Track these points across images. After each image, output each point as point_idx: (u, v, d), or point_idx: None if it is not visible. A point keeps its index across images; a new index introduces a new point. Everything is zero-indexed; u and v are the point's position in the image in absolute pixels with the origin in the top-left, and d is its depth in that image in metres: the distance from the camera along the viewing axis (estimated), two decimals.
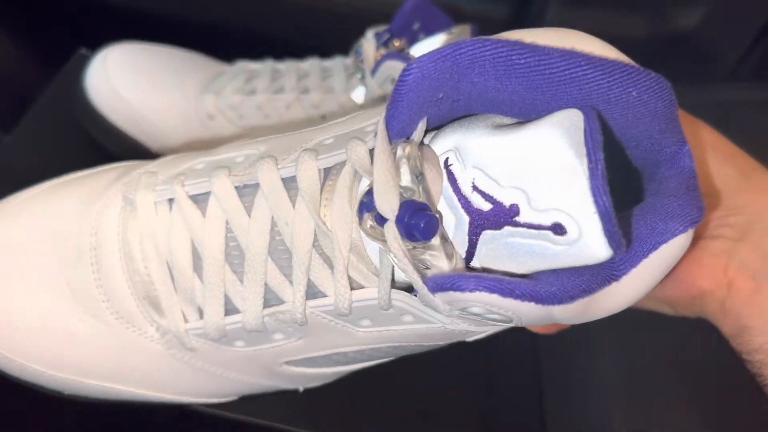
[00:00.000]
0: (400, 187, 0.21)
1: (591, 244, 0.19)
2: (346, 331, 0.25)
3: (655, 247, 0.20)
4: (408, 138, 0.22)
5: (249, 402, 0.32)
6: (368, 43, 0.40)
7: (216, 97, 0.40)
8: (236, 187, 0.25)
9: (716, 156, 0.26)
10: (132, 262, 0.26)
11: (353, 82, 0.40)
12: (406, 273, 0.21)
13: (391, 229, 0.21)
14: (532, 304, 0.20)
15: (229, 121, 0.40)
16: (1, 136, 0.70)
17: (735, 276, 0.25)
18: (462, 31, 0.40)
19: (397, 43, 0.40)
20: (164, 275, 0.26)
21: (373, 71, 0.38)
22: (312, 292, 0.24)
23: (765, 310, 0.24)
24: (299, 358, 0.27)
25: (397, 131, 0.21)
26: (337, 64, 0.42)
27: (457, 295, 0.20)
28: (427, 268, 0.22)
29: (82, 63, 0.46)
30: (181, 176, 0.26)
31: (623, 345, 0.40)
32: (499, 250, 0.21)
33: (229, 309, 0.25)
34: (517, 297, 0.20)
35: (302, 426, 0.35)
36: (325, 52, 0.44)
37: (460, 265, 0.22)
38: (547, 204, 0.20)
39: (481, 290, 0.20)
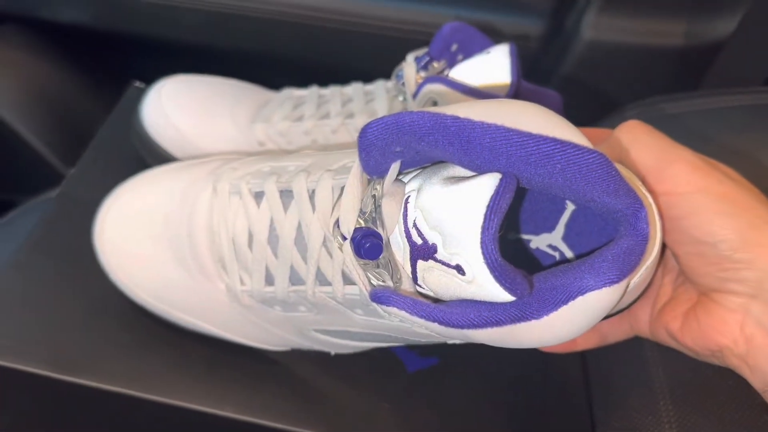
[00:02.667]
0: (363, 214, 0.26)
1: (486, 286, 0.23)
2: (347, 315, 0.31)
3: (572, 297, 0.22)
4: (381, 177, 0.26)
5: (255, 402, 0.35)
6: (409, 67, 0.41)
7: (266, 125, 0.42)
8: (280, 191, 0.32)
9: (727, 205, 0.26)
10: (212, 234, 0.34)
11: (395, 105, 0.42)
12: (356, 282, 0.27)
13: (346, 246, 0.26)
14: (436, 324, 0.24)
15: (279, 146, 0.42)
16: (63, 168, 0.73)
17: (753, 333, 0.26)
18: (500, 51, 0.41)
19: (436, 66, 0.42)
20: (229, 247, 0.33)
21: (415, 94, 0.39)
22: (323, 279, 0.30)
23: None
24: (321, 328, 0.33)
25: (371, 170, 0.26)
26: (379, 88, 0.44)
27: (383, 306, 0.25)
28: (382, 281, 0.26)
29: (137, 95, 0.48)
30: (248, 176, 0.34)
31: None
32: (430, 277, 0.25)
33: (269, 281, 0.32)
34: (422, 316, 0.24)
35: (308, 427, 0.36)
36: (367, 77, 0.46)
37: (408, 284, 0.26)
38: (453, 249, 0.23)
39: (394, 306, 0.25)
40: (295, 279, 0.31)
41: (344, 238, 0.26)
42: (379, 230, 0.26)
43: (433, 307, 0.24)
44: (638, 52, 0.61)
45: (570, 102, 0.61)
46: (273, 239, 0.31)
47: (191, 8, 0.63)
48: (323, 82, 0.47)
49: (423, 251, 0.25)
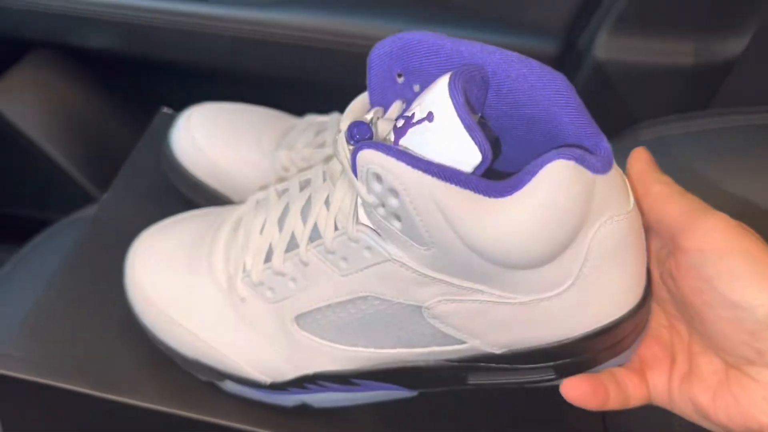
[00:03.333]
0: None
1: (453, 131, 0.25)
2: (333, 277, 0.31)
3: (535, 173, 0.25)
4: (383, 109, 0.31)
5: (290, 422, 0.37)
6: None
7: (289, 151, 0.44)
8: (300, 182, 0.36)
9: (749, 266, 0.25)
10: (231, 233, 0.36)
11: None
12: (342, 163, 0.29)
13: (341, 136, 0.29)
14: (419, 172, 0.25)
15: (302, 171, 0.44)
16: (92, 188, 0.76)
17: None
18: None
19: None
20: (243, 237, 0.35)
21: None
22: (315, 235, 0.32)
23: None
24: (307, 310, 0.33)
25: (376, 102, 0.31)
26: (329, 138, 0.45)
27: (364, 154, 0.26)
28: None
29: (165, 121, 0.51)
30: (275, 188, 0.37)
31: None
32: (410, 146, 0.27)
33: (268, 258, 0.34)
34: (401, 159, 0.25)
35: None
36: None
37: None
38: (426, 103, 0.26)
39: (374, 149, 0.26)
40: (291, 246, 0.33)
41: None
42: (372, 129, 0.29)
43: (413, 155, 0.25)
44: (650, 71, 0.62)
45: None
46: (282, 217, 0.34)
47: (215, 34, 0.66)
48: (344, 107, 0.48)
49: (404, 127, 0.27)
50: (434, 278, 0.28)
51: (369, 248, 0.29)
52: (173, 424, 0.37)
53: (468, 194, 0.25)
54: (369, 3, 0.64)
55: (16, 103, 0.77)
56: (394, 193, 0.26)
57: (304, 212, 0.33)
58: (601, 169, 0.25)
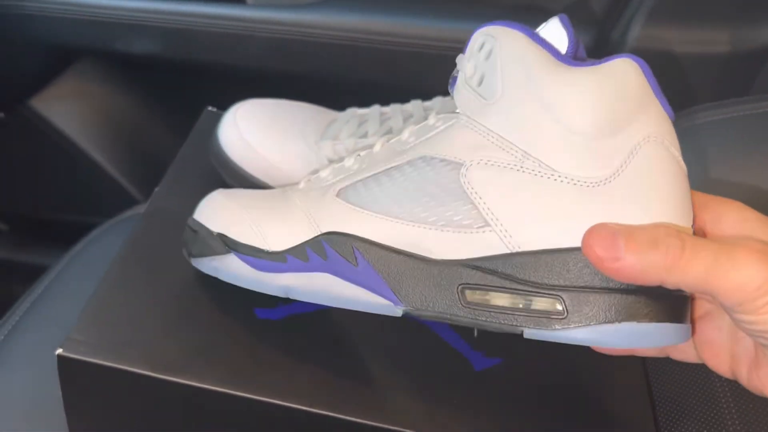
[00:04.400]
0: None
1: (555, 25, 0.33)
2: (392, 147, 0.36)
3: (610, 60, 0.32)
4: None
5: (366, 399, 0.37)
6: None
7: (333, 141, 0.45)
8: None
9: None
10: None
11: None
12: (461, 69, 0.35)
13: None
14: (518, 33, 0.32)
15: None
16: (135, 192, 0.78)
17: None
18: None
19: None
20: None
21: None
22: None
23: None
24: (352, 181, 0.36)
25: None
26: (436, 103, 0.47)
27: (483, 29, 0.33)
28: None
29: (212, 119, 0.52)
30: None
31: None
32: None
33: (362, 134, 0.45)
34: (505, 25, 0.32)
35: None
36: (424, 96, 0.49)
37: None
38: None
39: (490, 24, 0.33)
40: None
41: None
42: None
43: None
44: (686, 60, 0.62)
45: None
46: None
47: (254, 36, 0.68)
48: (379, 102, 0.50)
49: None
50: (489, 130, 0.32)
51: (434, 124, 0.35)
52: (223, 403, 0.38)
53: (552, 59, 0.31)
54: (400, 2, 0.65)
55: (63, 111, 0.80)
56: (489, 52, 0.32)
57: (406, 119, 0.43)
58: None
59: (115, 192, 0.81)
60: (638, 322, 0.29)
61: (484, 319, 0.31)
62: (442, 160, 0.33)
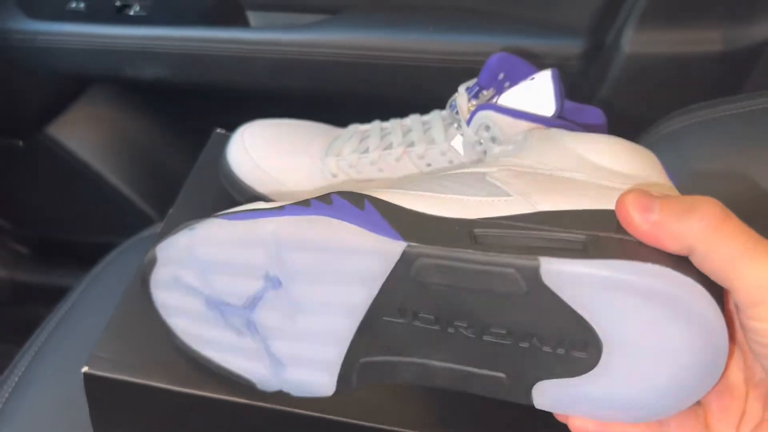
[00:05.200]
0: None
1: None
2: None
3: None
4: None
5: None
6: (461, 97, 0.46)
7: (337, 158, 0.47)
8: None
9: None
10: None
11: (451, 132, 0.46)
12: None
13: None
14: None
15: (349, 176, 0.47)
16: (150, 211, 0.80)
17: None
18: (544, 77, 0.45)
19: (486, 94, 0.46)
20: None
21: (468, 121, 0.44)
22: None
23: None
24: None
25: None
26: (435, 117, 0.49)
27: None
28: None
29: (221, 140, 0.54)
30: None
31: None
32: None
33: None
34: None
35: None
36: (423, 109, 0.51)
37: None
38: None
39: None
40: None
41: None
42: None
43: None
44: (679, 61, 0.64)
45: (616, 114, 0.64)
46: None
47: (259, 57, 0.70)
48: (383, 117, 0.52)
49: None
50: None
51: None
52: (245, 413, 0.40)
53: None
54: (397, 18, 0.67)
55: (78, 136, 0.83)
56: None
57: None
58: None
59: (131, 212, 0.83)
60: (655, 263, 0.25)
61: (494, 254, 0.27)
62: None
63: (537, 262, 0.26)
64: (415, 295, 0.30)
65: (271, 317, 0.34)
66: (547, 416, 0.39)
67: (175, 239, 0.35)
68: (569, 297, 0.27)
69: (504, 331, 0.29)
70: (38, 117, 0.82)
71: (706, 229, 0.24)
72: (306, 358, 0.34)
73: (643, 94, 0.66)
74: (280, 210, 0.32)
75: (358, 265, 0.30)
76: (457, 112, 0.45)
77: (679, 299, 0.25)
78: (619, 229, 0.27)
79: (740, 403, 0.27)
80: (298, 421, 0.39)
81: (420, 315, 0.30)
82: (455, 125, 0.46)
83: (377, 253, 0.29)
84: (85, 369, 0.40)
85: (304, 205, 0.32)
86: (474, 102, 0.45)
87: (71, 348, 0.55)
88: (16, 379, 0.53)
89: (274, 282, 0.33)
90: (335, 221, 0.30)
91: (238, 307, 0.34)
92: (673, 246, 0.25)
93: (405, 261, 0.29)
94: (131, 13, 0.74)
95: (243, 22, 0.74)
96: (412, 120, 0.49)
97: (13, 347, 0.58)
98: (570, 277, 0.26)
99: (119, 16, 0.74)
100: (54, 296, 0.64)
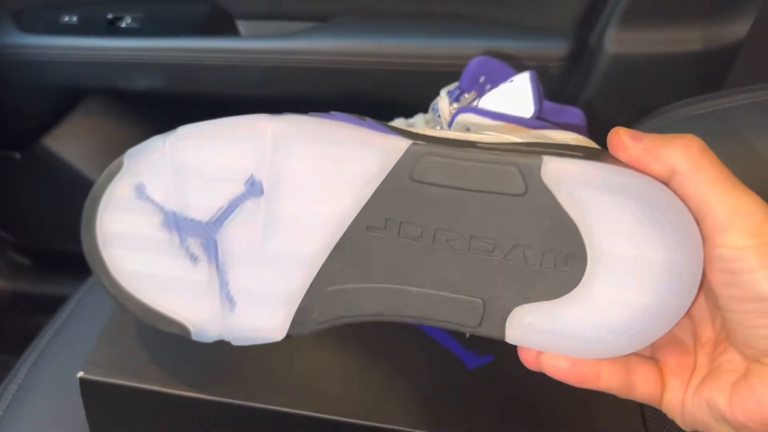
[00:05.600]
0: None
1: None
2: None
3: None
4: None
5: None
6: (443, 101, 0.47)
7: None
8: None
9: None
10: None
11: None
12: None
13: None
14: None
15: None
16: None
17: None
18: (523, 79, 0.46)
19: (467, 97, 0.47)
20: None
21: (450, 123, 0.45)
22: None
23: None
24: None
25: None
26: (418, 120, 0.50)
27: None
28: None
29: None
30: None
31: None
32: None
33: None
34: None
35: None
36: (407, 112, 0.52)
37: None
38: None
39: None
40: None
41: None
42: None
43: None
44: (661, 60, 0.65)
45: (601, 115, 0.65)
46: None
47: (249, 65, 0.71)
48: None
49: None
50: None
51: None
52: (239, 415, 0.40)
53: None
54: (385, 25, 0.68)
55: (74, 147, 0.84)
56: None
57: None
58: None
59: None
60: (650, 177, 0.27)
61: (499, 152, 0.28)
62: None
63: (539, 160, 0.28)
64: (409, 200, 0.29)
65: (238, 235, 0.31)
66: (544, 415, 0.39)
67: (154, 141, 0.32)
68: (565, 198, 0.28)
69: (491, 245, 0.29)
70: (34, 129, 0.83)
71: (689, 154, 0.26)
72: (263, 291, 0.32)
73: (627, 95, 0.67)
74: (279, 114, 0.31)
75: (356, 164, 0.29)
76: (439, 115, 0.46)
77: (667, 213, 0.26)
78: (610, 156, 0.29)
79: (691, 360, 0.29)
80: (295, 421, 0.39)
81: (406, 227, 0.30)
82: (438, 127, 0.47)
83: (380, 150, 0.29)
84: (80, 374, 0.40)
85: (304, 115, 0.31)
86: (455, 105, 0.46)
87: (70, 355, 0.56)
88: (16, 387, 0.54)
89: (255, 188, 0.31)
90: (338, 122, 0.30)
91: (202, 223, 0.32)
92: (657, 168, 0.26)
93: (408, 159, 0.29)
94: (123, 25, 0.75)
95: (233, 32, 0.75)
96: (397, 123, 0.50)
97: (14, 357, 0.59)
98: (569, 177, 0.27)
99: (111, 29, 0.75)
100: (55, 306, 0.64)
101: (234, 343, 0.33)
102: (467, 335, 0.43)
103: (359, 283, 0.31)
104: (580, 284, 0.28)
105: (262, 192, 0.31)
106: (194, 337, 0.34)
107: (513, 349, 0.40)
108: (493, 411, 0.39)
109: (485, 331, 0.30)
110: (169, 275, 0.33)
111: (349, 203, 0.30)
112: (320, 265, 0.31)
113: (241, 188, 0.31)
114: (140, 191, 0.32)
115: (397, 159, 0.29)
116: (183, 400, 0.40)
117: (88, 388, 0.41)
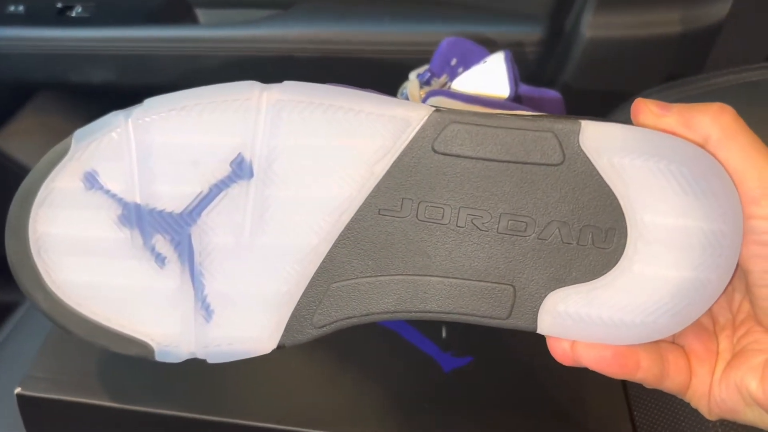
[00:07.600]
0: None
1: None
2: None
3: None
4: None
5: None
6: (412, 84, 0.44)
7: None
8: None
9: None
10: None
11: None
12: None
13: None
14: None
15: None
16: None
17: None
18: (497, 59, 0.43)
19: (438, 80, 0.44)
20: None
21: None
22: None
23: None
24: None
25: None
26: None
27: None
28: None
29: None
30: None
31: None
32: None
33: None
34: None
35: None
36: None
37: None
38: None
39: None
40: None
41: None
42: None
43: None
44: (640, 43, 0.63)
45: (578, 99, 0.63)
46: None
47: (209, 55, 0.68)
48: None
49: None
50: None
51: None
52: (185, 428, 0.38)
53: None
54: (350, 10, 0.65)
55: (25, 146, 0.80)
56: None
57: None
58: None
59: None
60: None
61: (533, 118, 0.26)
62: None
63: (578, 125, 0.25)
64: (429, 175, 0.26)
65: (219, 228, 0.26)
66: (547, 421, 0.38)
67: (112, 117, 0.28)
68: (606, 166, 0.25)
69: (524, 224, 0.26)
70: None
71: (721, 122, 0.24)
72: (249, 294, 0.27)
73: (604, 79, 0.65)
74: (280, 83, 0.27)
75: (367, 137, 0.26)
76: (408, 99, 0.43)
77: (711, 180, 0.25)
78: None
79: (715, 344, 0.28)
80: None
81: (426, 207, 0.26)
82: None
83: (398, 119, 0.26)
84: (17, 390, 0.37)
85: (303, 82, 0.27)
86: (426, 88, 0.43)
87: (14, 368, 0.52)
88: None
89: (244, 170, 0.26)
90: (346, 89, 0.27)
91: (173, 215, 0.26)
92: (690, 137, 0.25)
93: (430, 127, 0.26)
94: (73, 14, 0.71)
95: (192, 20, 0.71)
96: None
97: None
98: (611, 142, 0.25)
99: (61, 18, 0.71)
100: (3, 314, 0.61)
101: (210, 360, 0.28)
102: (443, 335, 0.41)
103: (370, 276, 0.27)
104: (620, 261, 0.26)
105: (251, 174, 0.26)
106: (158, 358, 0.28)
107: (490, 350, 0.37)
108: (470, 414, 0.38)
109: (515, 322, 0.27)
110: (127, 284, 0.27)
111: (358, 183, 0.26)
112: (322, 259, 0.27)
113: (225, 170, 0.26)
114: (91, 180, 0.27)
115: (417, 129, 0.26)
116: (131, 415, 0.37)
117: (26, 404, 0.38)
